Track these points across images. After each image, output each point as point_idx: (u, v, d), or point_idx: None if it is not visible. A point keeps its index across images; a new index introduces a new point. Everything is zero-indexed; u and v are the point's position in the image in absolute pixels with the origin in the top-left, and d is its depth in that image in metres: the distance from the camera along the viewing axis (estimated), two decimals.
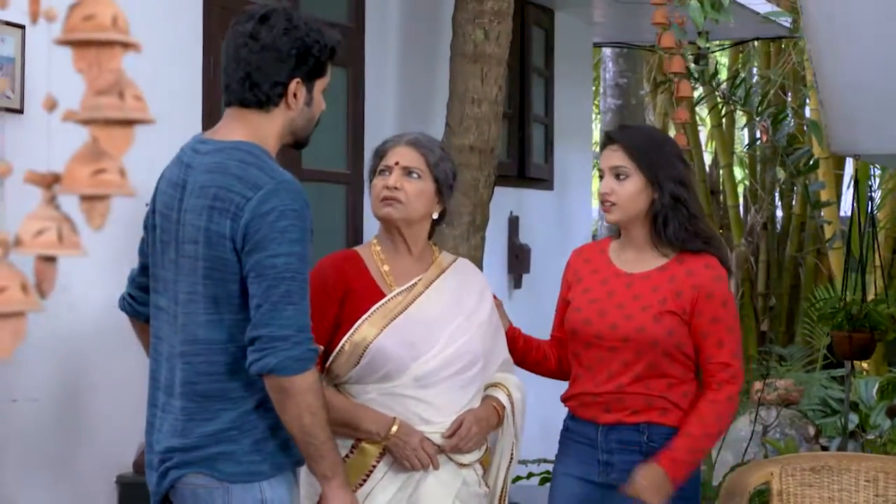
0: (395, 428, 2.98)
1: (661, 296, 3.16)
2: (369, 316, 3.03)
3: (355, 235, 5.25)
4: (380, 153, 3.17)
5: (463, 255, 4.80)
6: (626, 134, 3.25)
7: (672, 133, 11.06)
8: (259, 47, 2.72)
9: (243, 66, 2.73)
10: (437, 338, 3.05)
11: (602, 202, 3.22)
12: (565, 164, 7.23)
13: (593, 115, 10.31)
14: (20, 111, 3.74)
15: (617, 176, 3.19)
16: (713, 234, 3.26)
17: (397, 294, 3.08)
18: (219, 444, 2.66)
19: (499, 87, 4.86)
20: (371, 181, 3.17)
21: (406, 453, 2.97)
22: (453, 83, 4.87)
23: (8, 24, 3.69)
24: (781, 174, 8.82)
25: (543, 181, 6.93)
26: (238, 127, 2.75)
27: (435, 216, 3.17)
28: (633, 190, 3.17)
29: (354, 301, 3.05)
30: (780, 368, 7.47)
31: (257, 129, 2.74)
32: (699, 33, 7.89)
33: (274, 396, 2.60)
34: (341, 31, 5.20)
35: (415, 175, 3.10)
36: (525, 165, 6.55)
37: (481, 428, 3.07)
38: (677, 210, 3.16)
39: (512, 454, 3.21)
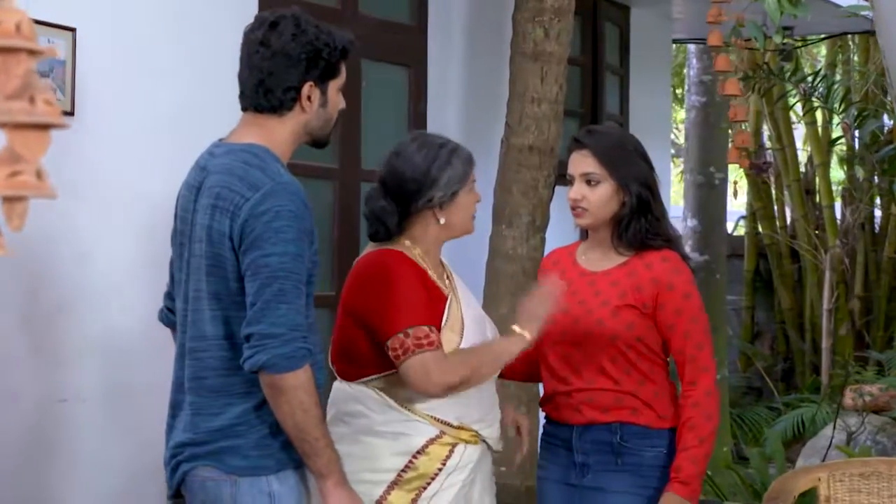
0: (528, 336, 3.07)
1: (620, 290, 3.23)
2: (446, 321, 3.06)
3: None
4: (471, 164, 3.14)
5: (522, 256, 4.82)
6: (594, 138, 3.29)
7: (762, 131, 10.90)
8: (270, 53, 2.81)
9: (256, 73, 2.82)
10: (487, 337, 3.16)
11: (572, 208, 3.28)
12: None
13: (674, 113, 10.22)
14: (71, 113, 3.83)
15: (588, 182, 3.25)
16: (675, 236, 3.32)
17: (451, 296, 3.13)
18: (226, 439, 2.75)
19: (559, 85, 4.85)
20: (457, 191, 3.10)
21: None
22: (513, 82, 4.88)
23: (59, 26, 3.79)
24: (861, 173, 8.65)
25: None
26: (252, 131, 2.84)
27: None
28: (604, 195, 3.24)
29: (432, 298, 3.07)
30: (867, 373, 7.32)
31: (271, 133, 2.84)
32: (786, 28, 7.77)
33: (267, 393, 2.67)
34: (403, 30, 5.26)
35: None
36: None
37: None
38: (641, 212, 3.23)
39: None
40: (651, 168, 3.32)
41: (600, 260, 3.32)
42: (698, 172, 8.51)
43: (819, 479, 3.62)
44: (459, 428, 3.07)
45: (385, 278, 3.02)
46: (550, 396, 3.34)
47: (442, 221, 3.10)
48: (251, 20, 4.45)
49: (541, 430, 3.48)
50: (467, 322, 3.10)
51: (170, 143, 4.04)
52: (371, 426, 3.05)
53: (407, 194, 3.08)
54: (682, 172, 10.11)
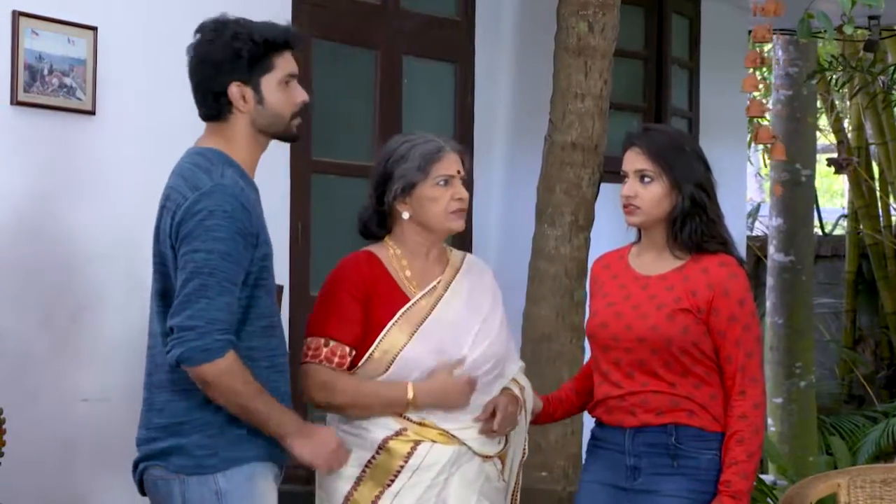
0: (410, 394, 3.08)
1: (675, 294, 3.25)
2: (396, 321, 3.13)
3: (463, 236, 5.29)
4: (432, 158, 3.18)
5: (564, 256, 4.80)
6: (649, 137, 3.33)
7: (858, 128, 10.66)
8: (197, 61, 2.96)
9: (193, 83, 2.97)
10: (463, 342, 3.17)
11: (625, 205, 3.31)
12: (712, 160, 7.05)
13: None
14: (92, 112, 3.94)
15: (641, 178, 3.28)
16: (730, 239, 3.33)
17: (421, 298, 3.18)
18: (171, 437, 2.89)
19: (604, 81, 4.83)
20: (413, 184, 3.17)
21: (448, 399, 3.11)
22: (556, 78, 4.88)
23: (79, 25, 3.90)
24: None
25: None
26: (209, 136, 3.01)
27: None
28: (657, 193, 3.26)
29: (379, 306, 3.15)
30: None
31: (224, 137, 2.98)
32: (871, 18, 7.61)
33: (198, 385, 2.80)
34: (449, 25, 5.29)
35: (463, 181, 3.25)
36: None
37: (514, 409, 3.21)
38: (695, 213, 3.25)
39: (524, 449, 3.34)
40: (708, 170, 3.36)
41: (654, 263, 3.35)
42: (783, 169, 8.38)
43: (839, 486, 3.59)
44: (422, 424, 3.12)
45: (324, 283, 3.21)
46: (602, 400, 3.36)
47: (405, 216, 3.18)
48: (287, 18, 4.57)
49: (588, 436, 3.49)
50: (429, 325, 3.14)
51: (191, 143, 4.11)
52: (344, 419, 3.15)
53: (377, 193, 3.21)
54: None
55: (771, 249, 8.52)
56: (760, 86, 5.77)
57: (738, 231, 7.71)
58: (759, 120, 5.76)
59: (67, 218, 3.90)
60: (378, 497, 3.09)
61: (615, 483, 3.32)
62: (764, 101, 9.46)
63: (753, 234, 11.92)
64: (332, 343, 3.12)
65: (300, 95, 3.02)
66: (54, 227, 3.86)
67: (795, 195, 8.44)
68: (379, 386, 3.11)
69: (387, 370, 3.11)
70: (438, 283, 3.22)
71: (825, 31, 5.61)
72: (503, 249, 5.41)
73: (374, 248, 3.25)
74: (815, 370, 9.30)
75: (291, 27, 3.03)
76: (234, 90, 2.92)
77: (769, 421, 8.66)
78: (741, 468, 3.20)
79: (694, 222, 3.25)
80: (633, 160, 3.29)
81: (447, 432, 3.13)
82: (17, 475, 3.66)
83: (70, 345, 3.91)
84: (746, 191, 7.79)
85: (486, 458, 3.20)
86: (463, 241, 5.26)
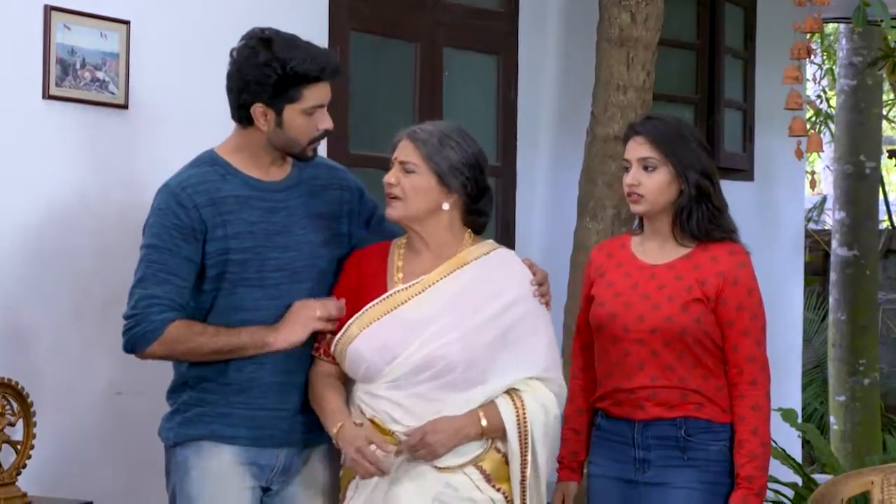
0: (336, 427, 3.11)
1: (686, 284, 3.28)
2: (359, 316, 3.16)
3: (506, 230, 5.31)
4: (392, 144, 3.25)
5: None
6: (651, 125, 3.36)
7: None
8: (234, 70, 3.12)
9: (226, 85, 3.16)
10: (412, 340, 3.10)
11: (628, 194, 3.33)
12: (769, 153, 7.02)
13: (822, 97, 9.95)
14: (125, 106, 3.99)
15: (645, 168, 3.30)
16: (735, 227, 3.37)
17: (393, 293, 3.17)
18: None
19: (647, 72, 4.83)
20: None
21: (348, 460, 3.09)
22: (598, 69, 4.89)
23: (112, 19, 3.95)
24: None
25: (739, 171, 6.79)
26: (231, 135, 3.25)
27: (445, 207, 3.16)
28: (661, 182, 3.30)
29: (362, 296, 3.20)
30: None
31: (237, 140, 3.23)
32: None
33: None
34: (491, 17, 5.29)
35: (410, 169, 3.15)
36: (713, 154, 6.41)
37: (439, 438, 3.05)
38: (701, 202, 3.30)
39: (526, 469, 3.14)
40: (711, 157, 3.41)
41: (659, 251, 3.38)
42: (846, 161, 8.29)
43: (872, 483, 3.56)
44: (372, 422, 3.12)
45: None
46: (610, 393, 3.37)
47: None
48: (324, 9, 4.62)
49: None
50: (383, 322, 3.13)
51: (223, 137, 4.15)
52: None
53: None
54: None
55: (834, 244, 8.44)
56: (825, 79, 5.74)
57: (794, 224, 7.65)
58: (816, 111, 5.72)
59: (99, 211, 3.95)
60: (346, 489, 3.20)
61: (624, 476, 3.35)
62: (824, 92, 9.40)
63: (820, 227, 11.80)
64: (327, 335, 3.21)
65: (323, 123, 3.14)
66: (86, 221, 3.92)
67: (859, 188, 8.34)
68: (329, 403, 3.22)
69: (344, 361, 3.17)
70: (420, 280, 3.17)
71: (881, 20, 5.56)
72: (546, 243, 5.42)
73: (399, 238, 3.29)
74: (883, 368, 9.20)
75: (333, 58, 3.14)
76: (257, 109, 3.09)
77: (832, 419, 8.58)
78: (760, 462, 3.25)
79: (700, 210, 3.29)
80: (636, 149, 3.33)
81: (392, 433, 3.11)
82: (50, 469, 3.72)
83: (102, 338, 3.96)
84: (804, 183, 7.70)
85: (438, 468, 3.10)
86: (506, 234, 5.28)
